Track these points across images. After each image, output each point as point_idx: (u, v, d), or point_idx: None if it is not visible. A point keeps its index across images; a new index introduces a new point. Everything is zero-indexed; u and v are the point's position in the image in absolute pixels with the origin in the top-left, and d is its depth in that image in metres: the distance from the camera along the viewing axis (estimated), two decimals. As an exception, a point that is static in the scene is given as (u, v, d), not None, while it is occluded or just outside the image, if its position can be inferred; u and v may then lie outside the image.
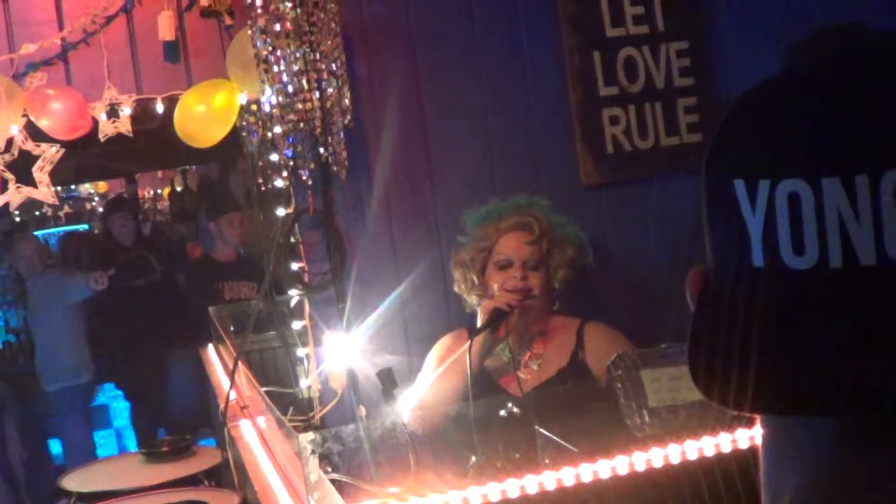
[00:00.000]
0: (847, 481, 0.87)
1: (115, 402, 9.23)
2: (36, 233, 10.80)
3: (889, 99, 0.85)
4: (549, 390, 3.65)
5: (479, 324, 3.61)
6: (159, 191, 11.28)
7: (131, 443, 8.92)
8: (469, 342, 3.54)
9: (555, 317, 3.81)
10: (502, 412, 3.44)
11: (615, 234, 4.23)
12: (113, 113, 4.00)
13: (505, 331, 3.65)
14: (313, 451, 2.68)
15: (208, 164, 9.13)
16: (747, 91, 0.92)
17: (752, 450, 2.83)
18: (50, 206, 10.55)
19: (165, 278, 8.16)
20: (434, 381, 3.60)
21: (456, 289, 3.88)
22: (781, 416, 0.90)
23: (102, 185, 10.98)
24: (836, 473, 0.88)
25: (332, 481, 2.86)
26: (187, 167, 9.75)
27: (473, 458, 3.32)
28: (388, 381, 3.20)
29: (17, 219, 10.68)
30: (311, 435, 2.70)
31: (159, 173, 10.74)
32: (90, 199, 11.63)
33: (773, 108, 0.90)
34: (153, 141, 4.29)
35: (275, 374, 4.97)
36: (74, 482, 4.77)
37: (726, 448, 2.84)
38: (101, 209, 10.32)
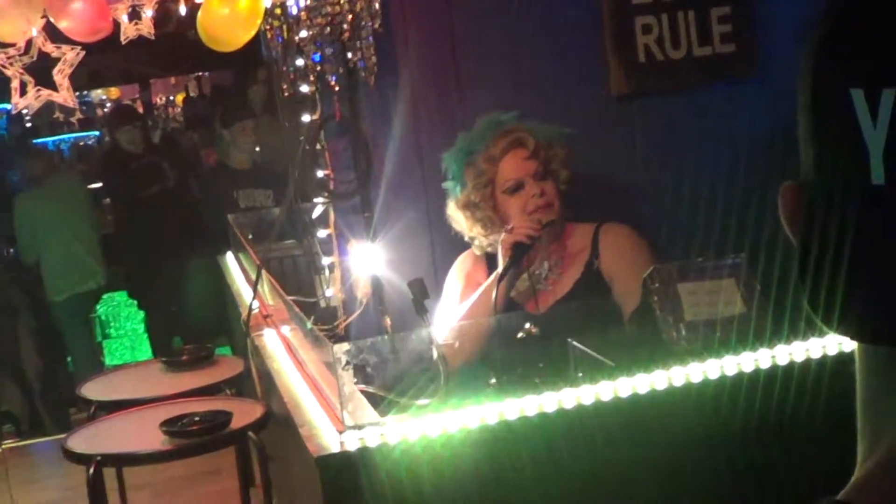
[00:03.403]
0: None
1: (125, 310, 9.24)
2: (48, 139, 10.75)
3: None
4: (565, 307, 3.58)
5: (500, 261, 3.50)
6: (171, 97, 11.19)
7: (143, 351, 8.94)
8: (495, 283, 3.44)
9: (570, 225, 3.71)
10: (520, 334, 3.39)
11: (645, 144, 4.15)
12: (135, 15, 3.91)
13: (528, 262, 3.57)
14: (348, 363, 2.64)
15: (222, 71, 9.07)
16: None
17: (791, 365, 2.79)
18: (62, 111, 10.51)
19: (179, 185, 8.12)
20: (459, 316, 3.52)
21: (468, 235, 3.70)
22: (894, 346, 0.83)
23: (114, 91, 10.90)
24: None
25: (363, 392, 2.83)
26: (201, 73, 9.68)
27: (493, 380, 3.28)
28: (419, 292, 3.15)
29: (29, 124, 10.63)
30: (345, 346, 2.66)
31: (172, 80, 10.67)
32: (102, 105, 11.55)
33: None
34: (171, 45, 4.21)
35: (294, 283, 4.94)
36: (94, 390, 4.75)
37: (765, 364, 2.80)
38: (112, 116, 10.26)
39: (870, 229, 0.81)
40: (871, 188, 0.80)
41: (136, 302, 8.70)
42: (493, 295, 3.41)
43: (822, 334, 2.78)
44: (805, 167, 0.88)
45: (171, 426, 3.83)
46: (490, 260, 3.66)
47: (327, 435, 2.69)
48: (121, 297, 9.01)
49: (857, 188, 0.81)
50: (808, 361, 2.79)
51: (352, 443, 2.56)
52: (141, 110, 10.54)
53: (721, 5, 4.20)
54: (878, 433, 0.86)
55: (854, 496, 0.84)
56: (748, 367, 2.79)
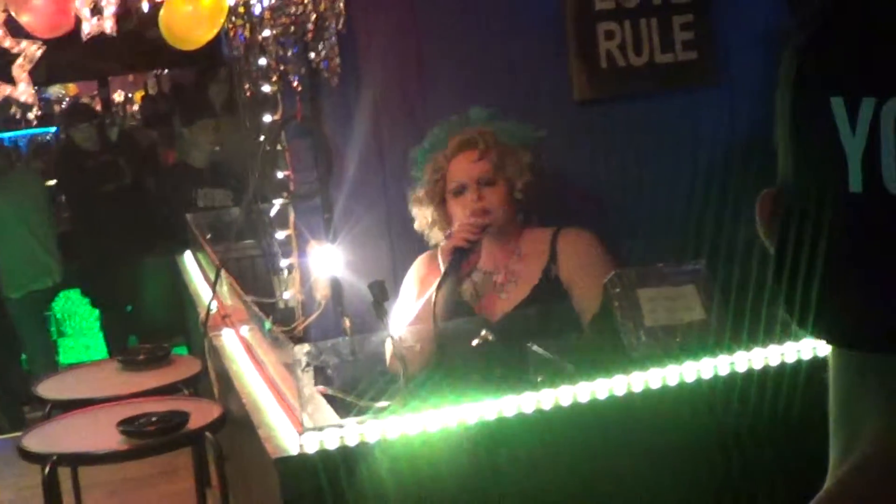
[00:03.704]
0: None
1: (81, 308, 9.17)
2: (4, 135, 10.66)
3: None
4: (522, 312, 3.56)
5: (441, 267, 3.50)
6: (130, 95, 11.11)
7: (99, 350, 8.87)
8: (435, 289, 3.42)
9: (527, 230, 3.68)
10: (475, 341, 3.37)
11: (607, 149, 4.16)
12: (97, 11, 3.88)
13: (468, 266, 3.56)
14: (308, 364, 2.62)
15: (181, 70, 9.01)
16: None
17: (751, 371, 2.80)
18: (19, 107, 10.41)
19: (136, 183, 8.06)
20: (405, 322, 3.49)
21: (416, 227, 3.73)
22: (873, 352, 0.84)
23: (72, 88, 10.81)
24: None
25: (323, 394, 2.82)
26: (160, 71, 9.62)
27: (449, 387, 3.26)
28: (380, 294, 3.13)
29: (-15, 120, 10.53)
30: (306, 347, 2.65)
31: (130, 77, 10.60)
32: (59, 102, 11.46)
33: (879, 15, 0.81)
34: (131, 42, 4.18)
35: (252, 284, 4.92)
36: (50, 389, 4.70)
37: (724, 370, 2.81)
38: (68, 114, 10.17)
39: (846, 236, 0.81)
40: (849, 195, 0.80)
41: (88, 300, 8.63)
42: (433, 300, 3.40)
43: (781, 341, 2.80)
44: (782, 174, 0.88)
45: (128, 426, 3.80)
46: None
47: (286, 436, 2.68)
48: (76, 294, 8.95)
49: (834, 195, 0.81)
50: (766, 368, 2.80)
51: (311, 445, 2.55)
52: (99, 107, 10.50)
53: (683, 13, 4.22)
54: (851, 439, 0.86)
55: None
56: (707, 373, 2.80)
